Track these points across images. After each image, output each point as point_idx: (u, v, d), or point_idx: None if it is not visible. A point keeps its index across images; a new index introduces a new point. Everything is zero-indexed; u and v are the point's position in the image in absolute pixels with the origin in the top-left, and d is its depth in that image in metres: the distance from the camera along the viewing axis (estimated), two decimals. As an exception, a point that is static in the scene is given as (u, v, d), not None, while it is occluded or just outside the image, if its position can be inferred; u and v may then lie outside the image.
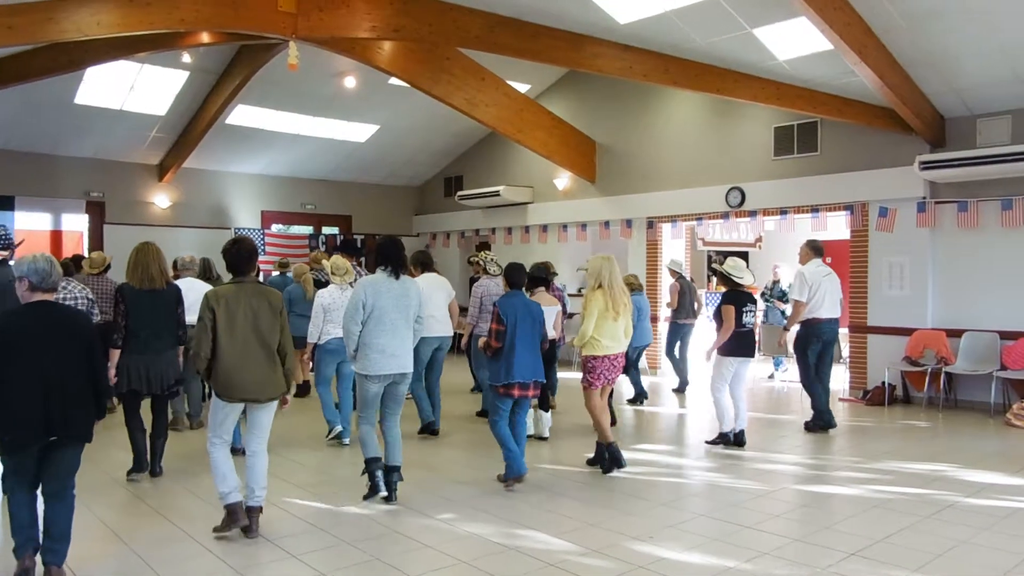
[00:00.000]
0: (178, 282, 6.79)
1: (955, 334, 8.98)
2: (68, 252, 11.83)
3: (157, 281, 5.86)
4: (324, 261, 8.30)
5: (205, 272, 8.70)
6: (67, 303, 6.21)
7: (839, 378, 10.49)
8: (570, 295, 8.69)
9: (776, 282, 11.37)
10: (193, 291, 6.87)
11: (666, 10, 8.21)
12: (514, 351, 5.70)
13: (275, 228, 15.14)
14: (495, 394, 5.82)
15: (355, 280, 7.22)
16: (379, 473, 5.34)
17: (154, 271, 5.84)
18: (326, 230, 15.71)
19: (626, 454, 6.27)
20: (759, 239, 14.27)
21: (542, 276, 7.30)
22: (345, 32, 8.75)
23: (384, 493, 5.33)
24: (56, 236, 12.65)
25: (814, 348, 7.79)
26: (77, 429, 3.88)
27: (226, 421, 4.71)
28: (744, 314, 6.99)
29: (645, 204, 12.16)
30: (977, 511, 5.16)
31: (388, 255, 5.32)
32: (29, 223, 12.37)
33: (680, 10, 8.15)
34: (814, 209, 10.25)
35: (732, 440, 7.04)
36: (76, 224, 12.97)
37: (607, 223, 12.77)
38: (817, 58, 8.40)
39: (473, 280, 9.58)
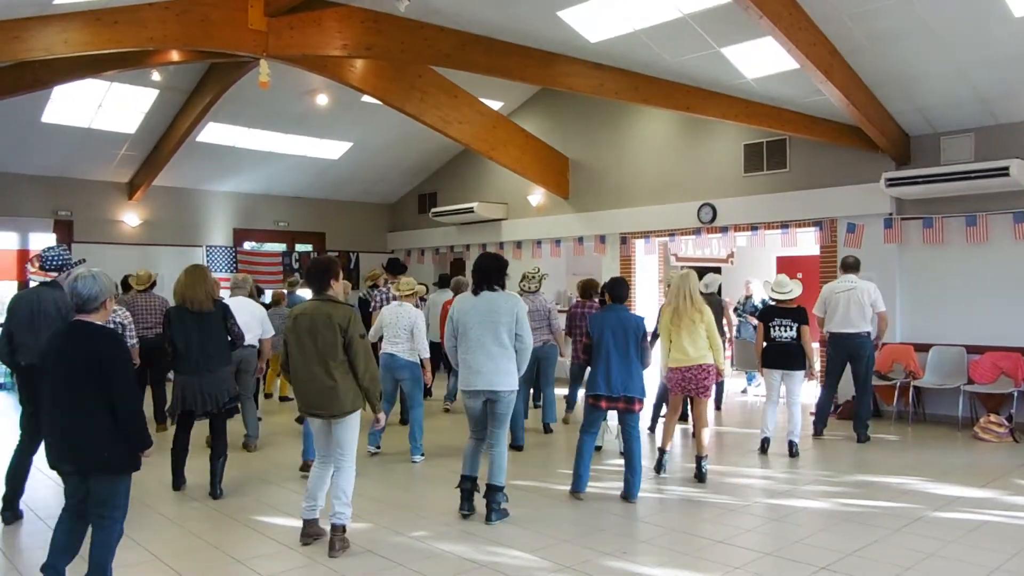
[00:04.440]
0: (230, 300, 7.00)
1: (923, 348, 9.10)
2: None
3: (204, 304, 5.84)
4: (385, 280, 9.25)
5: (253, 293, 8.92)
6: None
7: (810, 392, 10.58)
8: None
9: (748, 297, 11.48)
10: (245, 311, 7.14)
11: (635, 29, 8.32)
12: (599, 364, 5.76)
13: (247, 246, 15.03)
14: (585, 404, 5.96)
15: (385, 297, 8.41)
16: (466, 491, 5.41)
17: (200, 294, 5.83)
18: (299, 247, 15.62)
19: (598, 470, 6.26)
20: (731, 255, 14.42)
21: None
22: (316, 50, 8.74)
23: (464, 512, 5.39)
24: (23, 255, 12.45)
25: (832, 359, 8.23)
26: (89, 459, 3.67)
27: (310, 434, 5.37)
28: (772, 328, 7.38)
29: (618, 220, 12.24)
30: (945, 524, 5.22)
31: (477, 270, 5.37)
32: (-5, 242, 12.23)
33: (649, 29, 8.25)
34: (784, 225, 10.37)
35: (759, 447, 7.43)
36: (44, 243, 12.77)
37: (581, 239, 12.83)
38: (784, 77, 8.53)
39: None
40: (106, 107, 11.14)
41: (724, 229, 11.01)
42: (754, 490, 6.24)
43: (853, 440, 7.98)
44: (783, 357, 7.37)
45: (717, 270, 14.01)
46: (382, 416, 4.90)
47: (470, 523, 5.31)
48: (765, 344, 7.46)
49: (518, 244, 13.85)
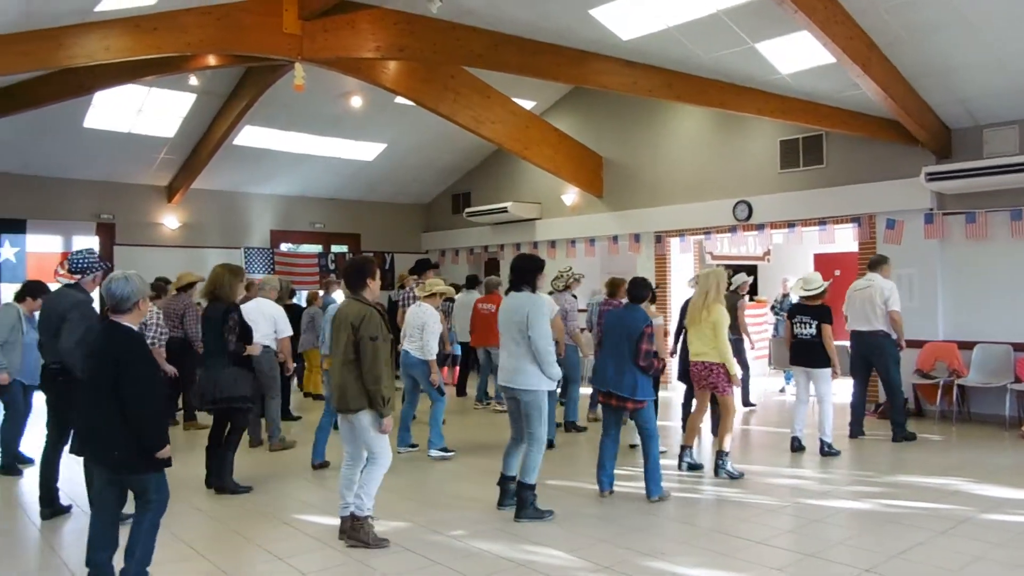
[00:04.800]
0: (248, 303, 7.26)
1: (967, 346, 8.90)
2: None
3: (202, 302, 6.36)
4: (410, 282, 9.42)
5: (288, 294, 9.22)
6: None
7: (845, 391, 10.41)
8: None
9: (786, 295, 11.32)
10: (257, 311, 7.32)
11: (668, 26, 8.26)
12: (599, 359, 6.03)
13: (284, 247, 15.19)
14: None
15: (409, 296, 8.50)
16: (502, 486, 5.62)
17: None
18: (335, 248, 15.76)
19: (632, 470, 6.25)
20: (767, 252, 14.23)
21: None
22: (350, 52, 8.82)
23: (500, 506, 5.60)
24: (66, 258, 12.72)
25: (852, 357, 8.27)
26: (102, 456, 3.81)
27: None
28: (795, 325, 7.47)
29: (653, 218, 12.16)
30: (993, 526, 5.10)
31: (510, 271, 5.55)
32: (40, 246, 12.49)
33: (682, 26, 8.19)
34: (821, 222, 10.22)
35: (791, 445, 7.43)
36: (87, 246, 13.03)
37: (615, 238, 12.77)
38: (820, 71, 8.41)
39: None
40: (146, 112, 11.35)
41: (760, 226, 10.88)
42: (792, 490, 6.16)
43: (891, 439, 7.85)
44: (805, 354, 7.40)
45: (752, 269, 13.86)
46: (387, 421, 4.76)
47: (505, 521, 5.31)
48: (792, 342, 7.55)
49: (552, 243, 13.82)
